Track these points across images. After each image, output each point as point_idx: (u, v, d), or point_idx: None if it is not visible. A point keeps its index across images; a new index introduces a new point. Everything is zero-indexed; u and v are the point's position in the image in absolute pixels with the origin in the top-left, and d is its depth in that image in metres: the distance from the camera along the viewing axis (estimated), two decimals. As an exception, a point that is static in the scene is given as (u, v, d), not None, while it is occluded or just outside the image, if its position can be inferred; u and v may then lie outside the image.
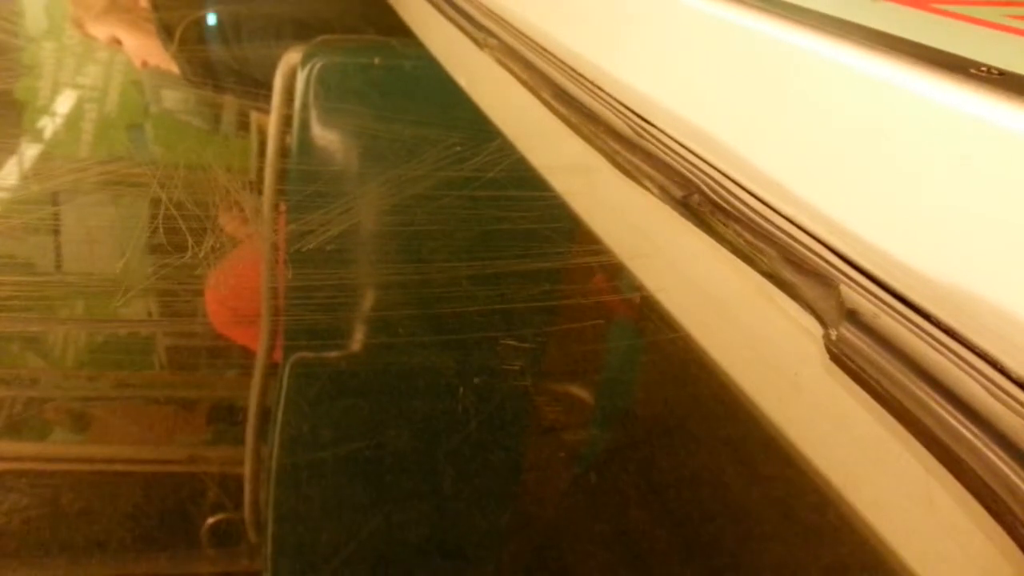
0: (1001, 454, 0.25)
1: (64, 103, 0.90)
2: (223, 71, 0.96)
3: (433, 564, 0.42)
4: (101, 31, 1.05)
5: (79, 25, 1.09)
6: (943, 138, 0.28)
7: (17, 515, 0.42)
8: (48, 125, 0.85)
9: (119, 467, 0.47)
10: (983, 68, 0.28)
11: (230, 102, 0.91)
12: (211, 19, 1.00)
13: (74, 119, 0.87)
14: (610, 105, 0.49)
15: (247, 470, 0.46)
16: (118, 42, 1.04)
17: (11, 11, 1.11)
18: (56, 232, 0.61)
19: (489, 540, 0.43)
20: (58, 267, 0.59)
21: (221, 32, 0.98)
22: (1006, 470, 0.25)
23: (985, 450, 0.26)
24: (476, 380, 0.46)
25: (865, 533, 0.29)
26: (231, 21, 0.99)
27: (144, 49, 1.01)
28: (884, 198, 0.31)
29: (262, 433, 0.48)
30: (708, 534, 0.37)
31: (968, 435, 0.26)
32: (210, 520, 0.42)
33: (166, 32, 0.99)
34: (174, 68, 0.98)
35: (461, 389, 0.45)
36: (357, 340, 0.50)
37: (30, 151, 0.79)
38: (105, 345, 0.53)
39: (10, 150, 0.76)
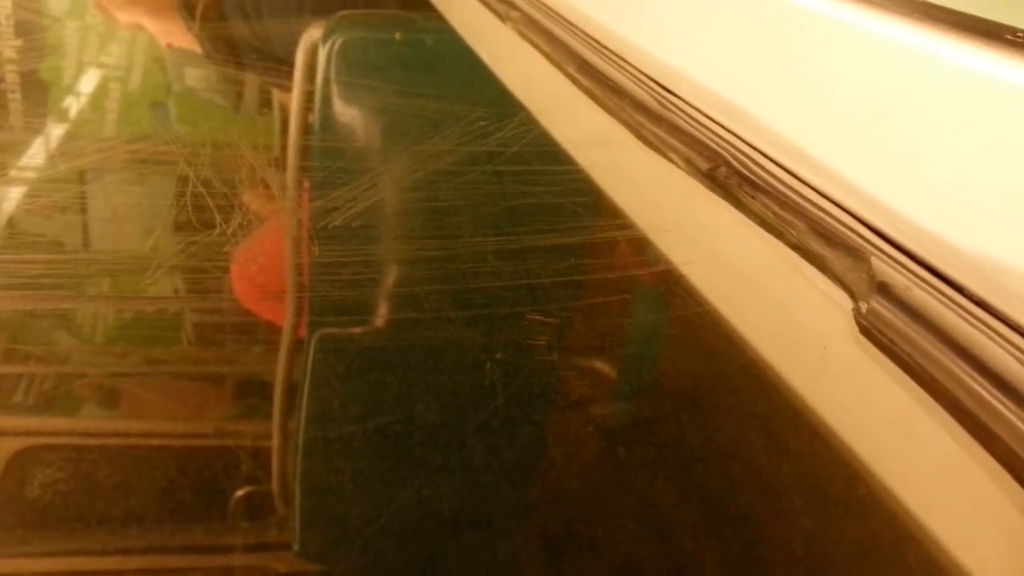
0: (1034, 426, 0.25)
1: (88, 82, 0.91)
2: (244, 48, 0.96)
3: (459, 536, 0.43)
4: (125, 18, 1.05)
5: (102, 10, 1.09)
6: (977, 106, 0.28)
7: (52, 488, 0.43)
8: (73, 104, 0.86)
9: (149, 441, 0.48)
10: (1020, 34, 0.28)
11: (252, 80, 0.91)
12: None
13: (98, 98, 0.87)
14: (634, 77, 0.48)
15: (275, 443, 0.47)
16: (141, 27, 1.04)
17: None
18: (83, 211, 0.62)
19: (515, 512, 0.43)
20: (85, 245, 0.60)
21: (241, 8, 0.98)
22: (1039, 443, 0.24)
23: (1018, 422, 0.25)
24: (499, 355, 0.46)
25: (894, 507, 0.29)
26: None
27: (168, 33, 1.01)
28: (916, 169, 0.30)
29: (289, 407, 0.49)
30: (736, 507, 0.37)
31: (1000, 407, 0.26)
32: (239, 492, 0.43)
33: (187, 9, 0.99)
34: (198, 49, 0.98)
35: (486, 363, 0.45)
36: (381, 315, 0.51)
37: (56, 131, 0.79)
38: (134, 322, 0.54)
39: (37, 130, 0.76)
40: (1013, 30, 0.28)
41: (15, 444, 0.49)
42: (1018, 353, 0.27)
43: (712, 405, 0.40)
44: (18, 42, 0.97)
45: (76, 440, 0.50)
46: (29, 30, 1.01)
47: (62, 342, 0.54)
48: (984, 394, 0.26)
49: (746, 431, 0.38)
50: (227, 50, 0.96)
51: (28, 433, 0.49)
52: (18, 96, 0.84)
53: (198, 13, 0.96)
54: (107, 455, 0.48)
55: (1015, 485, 0.25)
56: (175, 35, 1.00)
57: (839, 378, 0.32)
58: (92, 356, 0.54)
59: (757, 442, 0.37)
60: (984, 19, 0.29)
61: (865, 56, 0.32)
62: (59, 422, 0.50)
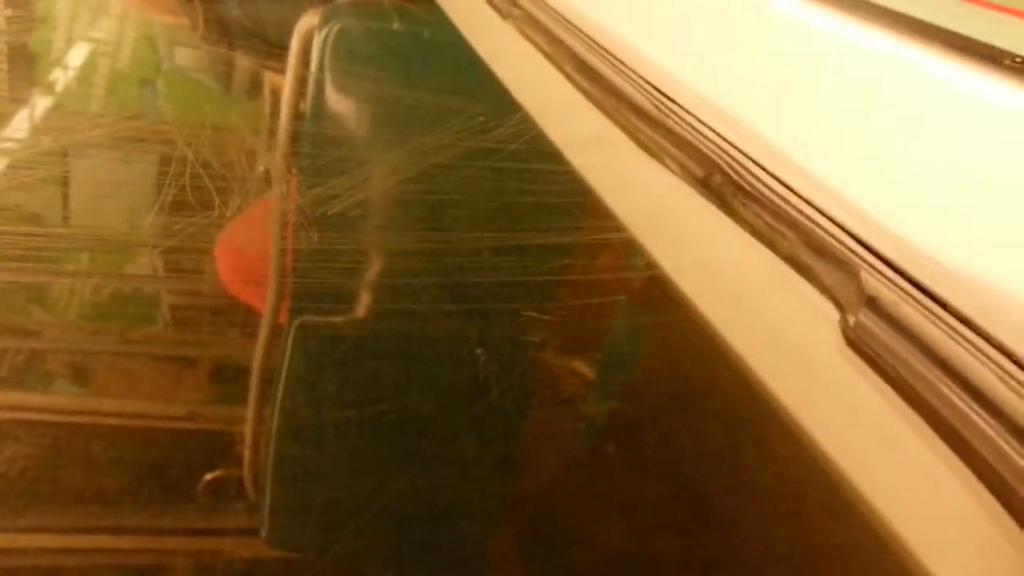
0: (1012, 441, 0.25)
1: (77, 56, 0.90)
2: (237, 30, 0.96)
3: (428, 529, 0.42)
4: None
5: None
6: (972, 128, 0.28)
7: (17, 464, 0.42)
8: (60, 78, 0.84)
9: (120, 421, 0.47)
10: (1018, 59, 0.28)
11: (243, 62, 0.90)
12: None
13: (86, 72, 0.86)
14: (633, 80, 0.49)
15: (248, 429, 0.47)
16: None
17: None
18: (65, 185, 0.61)
19: (487, 508, 0.43)
20: (66, 220, 0.59)
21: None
22: (1016, 457, 0.25)
23: (996, 437, 0.26)
24: (479, 349, 0.46)
25: (870, 515, 0.29)
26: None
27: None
28: (909, 187, 0.31)
29: (265, 393, 0.49)
30: (712, 510, 0.37)
31: (980, 422, 0.26)
32: (208, 476, 0.42)
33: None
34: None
35: (466, 356, 0.45)
36: (362, 305, 0.50)
37: (42, 103, 0.78)
38: (109, 300, 0.53)
39: (22, 102, 0.75)
40: (1012, 55, 0.28)
41: (-16, 418, 0.48)
42: (998, 370, 0.27)
43: (695, 409, 0.40)
44: (8, 12, 0.95)
45: (46, 416, 0.49)
46: (21, 1, 0.99)
47: (37, 318, 0.53)
48: (964, 408, 0.27)
49: (727, 436, 0.38)
50: (220, 30, 0.95)
51: (-2, 407, 0.49)
52: (4, 67, 0.83)
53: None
54: (77, 432, 0.47)
55: (989, 497, 0.26)
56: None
57: (822, 388, 0.33)
58: (64, 332, 0.53)
59: (737, 447, 0.37)
60: (984, 43, 0.30)
61: (864, 74, 0.32)
62: (30, 397, 0.50)
